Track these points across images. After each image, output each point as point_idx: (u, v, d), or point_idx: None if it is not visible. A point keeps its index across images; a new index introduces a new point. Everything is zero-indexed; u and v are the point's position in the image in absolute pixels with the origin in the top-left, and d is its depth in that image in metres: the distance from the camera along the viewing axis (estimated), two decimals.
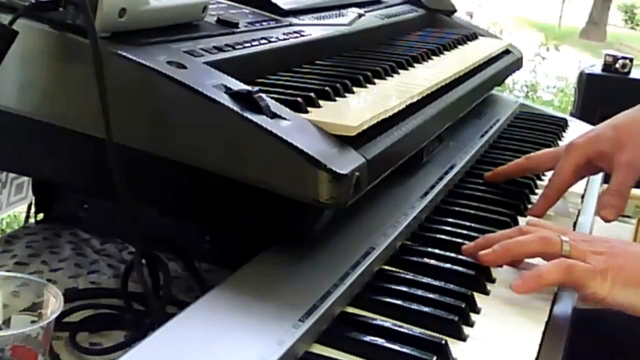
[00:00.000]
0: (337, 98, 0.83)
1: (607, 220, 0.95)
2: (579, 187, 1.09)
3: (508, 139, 1.27)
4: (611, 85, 2.84)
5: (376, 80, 0.95)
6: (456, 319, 0.68)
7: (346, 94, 0.86)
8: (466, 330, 0.69)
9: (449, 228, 0.88)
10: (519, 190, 1.03)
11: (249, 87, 0.71)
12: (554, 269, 0.74)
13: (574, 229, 0.98)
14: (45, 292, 0.63)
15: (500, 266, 0.81)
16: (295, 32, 1.00)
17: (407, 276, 0.75)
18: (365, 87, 0.91)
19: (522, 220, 0.95)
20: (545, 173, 1.11)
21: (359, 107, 0.85)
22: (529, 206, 1.01)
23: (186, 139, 0.69)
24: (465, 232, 0.87)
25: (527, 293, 0.75)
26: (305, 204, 0.67)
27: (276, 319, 0.62)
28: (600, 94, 2.84)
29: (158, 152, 0.70)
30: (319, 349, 0.63)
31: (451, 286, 0.74)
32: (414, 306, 0.70)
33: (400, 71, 1.02)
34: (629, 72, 2.86)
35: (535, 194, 1.06)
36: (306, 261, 0.72)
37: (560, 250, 0.76)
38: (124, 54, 0.70)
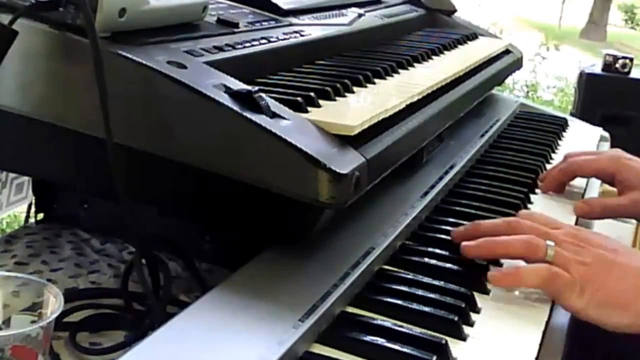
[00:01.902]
0: (337, 98, 0.83)
1: (576, 213, 1.00)
2: (580, 183, 1.10)
3: (508, 138, 1.27)
4: (611, 85, 2.84)
5: (376, 80, 0.95)
6: (456, 318, 0.68)
7: (346, 94, 0.86)
8: (466, 330, 0.68)
9: (449, 228, 0.88)
10: (519, 190, 1.03)
11: (249, 87, 0.71)
12: (535, 274, 0.74)
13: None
14: (45, 292, 0.63)
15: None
16: (295, 32, 1.00)
17: (407, 276, 0.75)
18: (366, 86, 0.91)
19: None
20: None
21: (359, 107, 0.85)
22: (529, 206, 1.01)
23: (186, 139, 0.69)
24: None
25: (502, 287, 0.76)
26: (305, 203, 0.67)
27: (276, 319, 0.62)
28: (601, 93, 2.84)
29: (158, 152, 0.70)
30: (319, 349, 0.63)
31: (451, 286, 0.74)
32: (414, 306, 0.70)
33: (400, 71, 1.02)
34: (629, 72, 2.86)
35: (535, 193, 1.06)
36: (306, 261, 0.72)
37: (543, 257, 0.75)
38: (124, 54, 0.70)
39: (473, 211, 0.94)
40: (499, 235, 0.79)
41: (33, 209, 1.00)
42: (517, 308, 0.75)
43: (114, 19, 0.71)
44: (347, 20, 1.15)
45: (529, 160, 1.16)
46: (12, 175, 1.13)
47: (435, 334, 0.66)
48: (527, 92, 6.33)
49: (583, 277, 0.74)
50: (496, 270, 0.77)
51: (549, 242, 0.76)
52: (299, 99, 0.76)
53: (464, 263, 0.79)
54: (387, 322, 0.67)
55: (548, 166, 1.18)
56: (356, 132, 0.73)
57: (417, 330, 0.66)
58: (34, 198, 1.01)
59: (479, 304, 0.73)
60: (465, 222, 0.90)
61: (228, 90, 0.70)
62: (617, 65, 2.85)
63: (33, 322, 0.61)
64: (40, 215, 0.99)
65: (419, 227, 0.88)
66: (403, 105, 0.86)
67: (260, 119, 0.68)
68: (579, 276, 0.74)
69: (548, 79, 6.84)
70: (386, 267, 0.78)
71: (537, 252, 0.76)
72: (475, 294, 0.74)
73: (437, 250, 0.81)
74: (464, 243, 0.79)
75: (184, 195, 0.75)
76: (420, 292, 0.72)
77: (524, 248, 0.77)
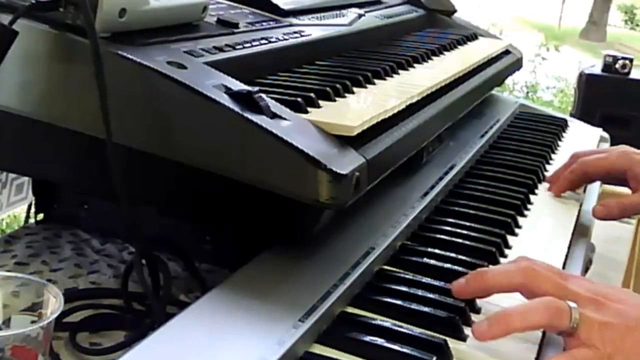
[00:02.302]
0: (337, 98, 0.83)
1: (595, 216, 1.00)
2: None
3: (508, 139, 1.27)
4: (611, 86, 2.84)
5: (376, 81, 0.95)
6: (456, 318, 0.68)
7: (346, 94, 0.86)
8: (466, 330, 0.68)
9: (449, 228, 0.88)
10: (519, 190, 1.03)
11: (249, 87, 0.71)
12: None
13: (574, 229, 0.97)
14: (45, 292, 0.63)
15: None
16: (295, 32, 1.00)
17: (407, 276, 0.75)
18: (365, 87, 0.91)
19: (521, 220, 0.95)
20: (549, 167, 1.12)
21: (359, 108, 0.85)
22: (529, 206, 1.01)
23: (186, 139, 0.69)
24: (465, 232, 0.87)
25: None
26: (305, 204, 0.67)
27: (276, 319, 0.62)
28: (600, 94, 2.84)
29: (158, 152, 0.70)
30: (319, 349, 0.63)
31: None
32: (414, 306, 0.70)
33: (400, 71, 1.02)
34: (628, 73, 2.86)
35: (535, 194, 1.06)
36: (306, 261, 0.72)
37: (569, 323, 0.65)
38: (124, 54, 0.70)
39: (473, 211, 0.94)
40: (512, 284, 0.70)
41: (33, 209, 1.00)
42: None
43: (114, 19, 0.71)
44: (347, 21, 1.15)
45: (529, 160, 1.16)
46: (12, 175, 1.13)
47: (435, 334, 0.66)
48: (527, 92, 6.33)
49: (610, 345, 0.65)
50: None
51: (571, 304, 0.66)
52: (298, 99, 0.76)
53: (464, 263, 0.79)
54: (387, 322, 0.67)
55: (548, 167, 1.18)
56: (356, 132, 0.73)
57: (417, 331, 0.66)
58: (34, 198, 1.01)
59: (479, 304, 0.73)
60: (465, 222, 0.90)
61: (228, 91, 0.70)
62: (617, 66, 2.86)
63: (33, 322, 0.61)
64: (40, 216, 0.99)
65: (419, 227, 0.88)
66: (403, 106, 0.86)
67: (260, 120, 0.68)
68: (605, 346, 0.64)
69: (548, 79, 6.85)
70: (386, 267, 0.78)
71: (562, 319, 0.65)
72: None
73: (437, 251, 0.82)
74: (474, 325, 0.67)
75: (184, 195, 0.75)
76: (420, 293, 0.72)
77: (547, 316, 0.65)
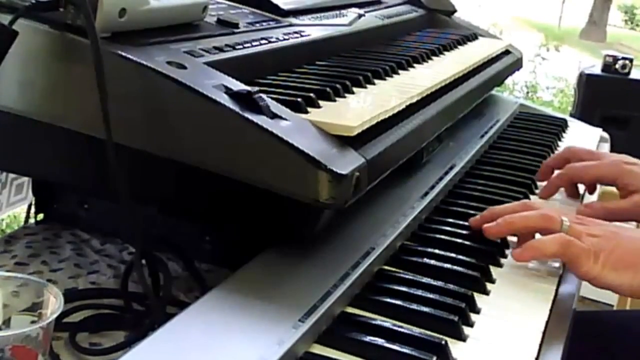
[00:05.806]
0: (337, 98, 0.83)
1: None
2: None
3: (508, 139, 1.27)
4: (611, 86, 2.84)
5: (376, 81, 0.95)
6: (456, 319, 0.68)
7: (346, 94, 0.86)
8: (466, 330, 0.69)
9: (449, 228, 0.88)
10: (519, 190, 1.03)
11: (249, 87, 0.71)
12: (553, 242, 0.79)
13: None
14: (45, 292, 0.63)
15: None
16: (295, 32, 1.00)
17: (407, 276, 0.76)
18: (365, 87, 0.91)
19: None
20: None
21: (359, 108, 0.85)
22: None
23: (186, 139, 0.69)
24: (465, 232, 0.87)
25: (526, 261, 0.82)
26: (305, 204, 0.67)
27: (276, 319, 0.62)
28: (600, 94, 2.84)
29: (158, 152, 0.70)
30: (319, 349, 0.63)
31: (451, 286, 0.74)
32: (414, 306, 0.70)
33: (400, 71, 1.02)
34: (628, 73, 2.86)
35: (534, 194, 1.06)
36: (306, 261, 0.72)
37: (559, 229, 0.81)
38: (124, 54, 0.70)
39: (472, 212, 0.94)
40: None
41: (33, 209, 1.00)
42: (517, 308, 0.75)
43: (114, 19, 0.71)
44: (347, 21, 1.15)
45: (529, 161, 1.16)
46: (12, 175, 1.13)
47: (435, 334, 0.66)
48: (527, 92, 6.33)
49: (596, 245, 0.79)
50: (517, 249, 0.82)
51: (563, 217, 0.82)
52: (298, 99, 0.76)
53: (464, 263, 0.80)
54: (387, 323, 0.67)
55: None
56: (356, 132, 0.73)
57: (416, 331, 0.66)
58: (34, 198, 1.01)
59: (479, 304, 0.73)
60: (465, 223, 0.90)
61: (228, 91, 0.70)
62: (617, 66, 2.86)
63: (33, 322, 0.61)
64: (40, 216, 0.99)
65: (419, 227, 0.88)
66: (403, 106, 0.86)
67: (260, 120, 0.68)
68: (592, 245, 0.79)
69: (548, 79, 6.84)
70: (386, 267, 0.78)
71: (554, 223, 0.81)
72: (475, 294, 0.74)
73: (437, 251, 0.82)
74: (485, 225, 0.84)
75: (184, 195, 0.75)
76: (420, 293, 0.72)
77: (542, 220, 0.82)
